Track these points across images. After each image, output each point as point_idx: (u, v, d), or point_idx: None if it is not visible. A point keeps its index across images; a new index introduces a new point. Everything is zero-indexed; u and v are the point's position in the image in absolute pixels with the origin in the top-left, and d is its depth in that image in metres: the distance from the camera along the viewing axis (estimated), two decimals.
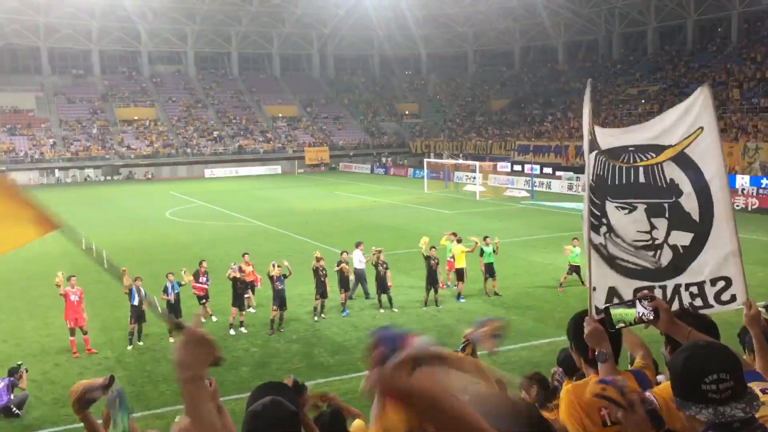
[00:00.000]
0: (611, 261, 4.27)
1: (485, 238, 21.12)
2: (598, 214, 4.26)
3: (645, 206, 4.19)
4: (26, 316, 19.48)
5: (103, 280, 20.40)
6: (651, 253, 4.24)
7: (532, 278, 22.67)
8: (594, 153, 4.24)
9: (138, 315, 16.53)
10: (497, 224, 34.04)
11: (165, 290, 17.06)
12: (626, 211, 4.24)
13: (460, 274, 20.32)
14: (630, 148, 4.25)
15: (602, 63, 78.03)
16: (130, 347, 16.37)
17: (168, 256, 26.30)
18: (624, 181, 4.23)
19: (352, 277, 19.67)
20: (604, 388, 2.76)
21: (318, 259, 18.46)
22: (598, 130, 4.27)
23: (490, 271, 20.51)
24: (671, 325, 3.37)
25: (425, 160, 60.61)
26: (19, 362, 13.78)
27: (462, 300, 20.01)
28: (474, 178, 52.13)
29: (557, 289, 20.93)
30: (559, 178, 53.16)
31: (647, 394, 3.25)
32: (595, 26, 79.51)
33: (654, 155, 4.20)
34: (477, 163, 52.94)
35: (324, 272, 18.24)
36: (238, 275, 17.56)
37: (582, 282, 20.85)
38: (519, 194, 48.53)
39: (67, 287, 16.22)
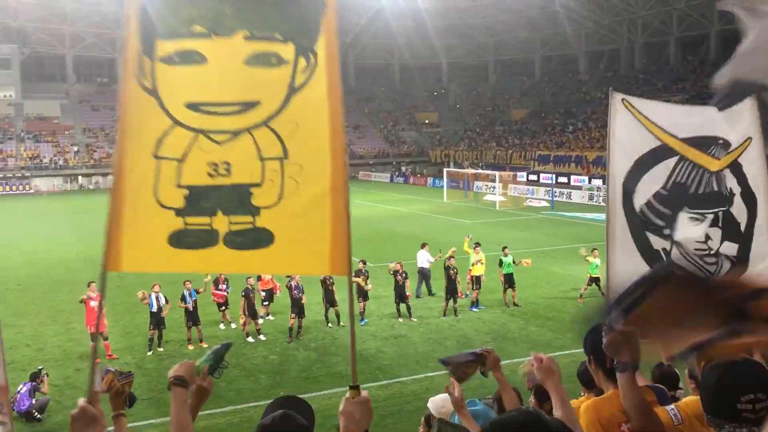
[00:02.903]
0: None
1: (504, 248, 21.05)
2: (663, 224, 4.18)
3: (712, 216, 4.15)
4: (48, 321, 19.68)
5: (123, 285, 20.58)
6: (713, 261, 4.15)
7: (552, 289, 22.51)
8: (675, 158, 4.14)
9: (158, 321, 16.65)
10: (517, 234, 33.87)
11: (183, 298, 17.09)
12: (697, 222, 4.18)
13: (476, 281, 20.27)
14: (720, 140, 4.12)
15: (624, 73, 77.58)
16: (149, 353, 16.48)
17: None
18: (701, 191, 4.14)
19: (369, 287, 19.62)
20: None
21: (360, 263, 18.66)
22: (672, 113, 4.18)
23: (509, 281, 20.39)
24: None
25: (445, 169, 60.54)
26: (40, 367, 13.93)
27: (475, 309, 19.91)
28: (494, 187, 51.99)
29: (577, 301, 20.76)
30: (580, 188, 52.85)
31: (670, 407, 3.20)
32: (617, 36, 79.11)
33: (724, 150, 4.10)
34: (497, 173, 52.81)
35: (331, 281, 18.30)
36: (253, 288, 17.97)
37: (602, 293, 20.68)
38: (539, 204, 48.28)
39: (87, 292, 16.38)
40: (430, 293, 21.64)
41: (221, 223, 3.13)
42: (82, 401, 2.74)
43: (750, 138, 4.02)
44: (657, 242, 4.17)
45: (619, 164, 4.15)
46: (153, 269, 3.37)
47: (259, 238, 3.11)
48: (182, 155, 3.13)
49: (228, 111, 3.14)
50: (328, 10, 3.18)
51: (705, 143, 4.16)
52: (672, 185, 4.14)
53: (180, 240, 3.13)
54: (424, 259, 21.54)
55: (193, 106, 3.14)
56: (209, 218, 3.13)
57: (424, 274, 21.61)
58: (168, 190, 3.13)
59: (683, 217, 4.18)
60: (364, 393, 2.79)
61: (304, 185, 3.13)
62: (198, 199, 3.12)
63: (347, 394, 2.77)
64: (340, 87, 3.19)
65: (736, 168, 4.07)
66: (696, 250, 4.14)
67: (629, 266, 4.16)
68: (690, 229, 4.17)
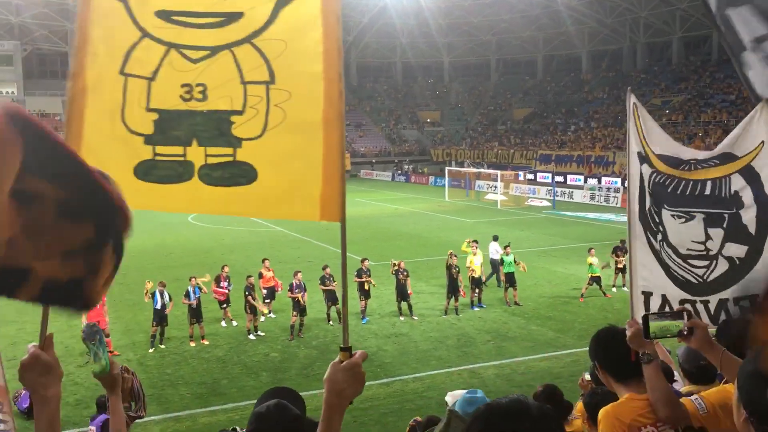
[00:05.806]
0: (666, 269, 4.24)
1: (506, 247, 21.06)
2: (657, 220, 4.23)
3: (704, 215, 4.14)
4: (50, 317, 19.67)
5: (125, 282, 20.59)
6: (704, 264, 4.16)
7: (553, 288, 22.52)
8: (647, 165, 4.21)
9: (161, 318, 16.67)
10: (518, 234, 33.87)
11: (187, 295, 17.14)
12: (682, 219, 4.18)
13: (473, 281, 20.24)
14: (692, 161, 4.19)
15: (626, 73, 77.49)
16: (151, 350, 16.50)
17: (190, 260, 26.52)
18: (687, 192, 4.16)
19: (373, 284, 19.65)
20: None
21: (324, 268, 18.60)
22: (654, 132, 4.22)
23: (510, 280, 20.40)
24: (705, 344, 3.30)
25: (446, 168, 60.54)
26: None
27: (476, 308, 19.93)
28: (495, 186, 51.99)
29: (579, 300, 20.77)
30: (581, 187, 52.84)
31: (694, 397, 3.25)
32: (619, 36, 79.03)
33: (718, 162, 4.14)
34: (498, 172, 52.82)
35: (332, 281, 18.39)
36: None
37: (603, 293, 20.73)
38: (540, 204, 48.28)
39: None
40: (498, 285, 21.73)
41: (196, 154, 2.72)
42: (32, 347, 2.39)
43: (762, 142, 4.03)
44: (653, 242, 4.24)
45: (634, 164, 4.23)
46: None
47: (240, 174, 2.72)
48: (152, 73, 2.70)
49: (205, 23, 2.68)
50: None
51: (679, 162, 4.21)
52: (653, 185, 4.22)
53: (148, 172, 2.73)
54: (494, 250, 22.06)
55: (164, 15, 2.68)
56: (183, 148, 2.72)
57: (495, 266, 22.01)
58: (136, 113, 2.71)
59: (666, 214, 4.20)
60: (357, 354, 2.37)
61: (293, 115, 2.69)
62: (169, 126, 2.70)
63: (337, 357, 2.33)
64: (339, 2, 2.72)
65: (748, 171, 4.07)
66: (688, 250, 4.17)
67: (649, 263, 4.23)
68: (677, 226, 4.20)
